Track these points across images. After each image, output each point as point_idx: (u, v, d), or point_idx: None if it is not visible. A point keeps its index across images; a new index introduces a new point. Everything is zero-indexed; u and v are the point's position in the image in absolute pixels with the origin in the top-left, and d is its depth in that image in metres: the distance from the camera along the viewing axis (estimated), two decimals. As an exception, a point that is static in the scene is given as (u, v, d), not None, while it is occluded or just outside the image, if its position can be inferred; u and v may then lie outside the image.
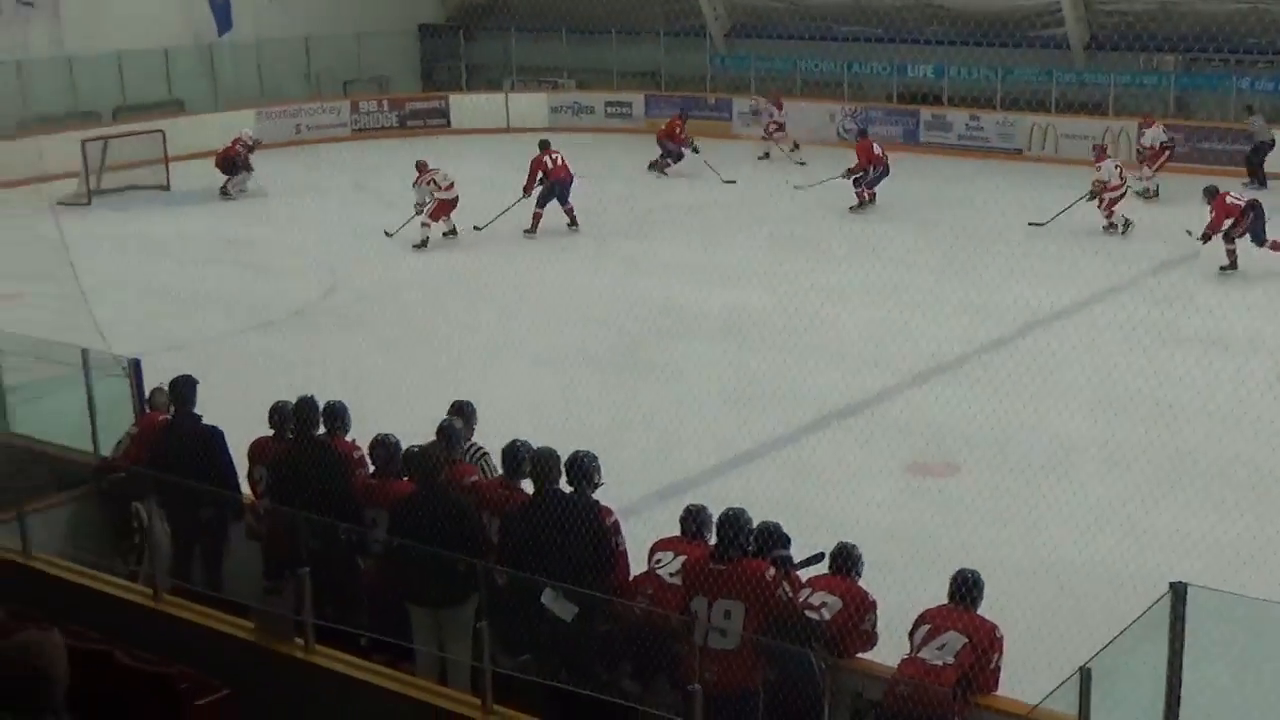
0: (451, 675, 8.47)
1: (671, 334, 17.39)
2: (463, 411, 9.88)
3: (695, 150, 28.67)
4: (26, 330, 11.83)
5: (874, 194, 25.77)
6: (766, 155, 30.49)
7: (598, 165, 26.83)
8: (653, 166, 29.21)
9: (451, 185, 22.95)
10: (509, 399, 12.48)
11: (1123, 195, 23.29)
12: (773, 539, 8.14)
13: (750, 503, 8.20)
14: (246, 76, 34.57)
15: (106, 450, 10.97)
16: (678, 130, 29.44)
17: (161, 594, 8.96)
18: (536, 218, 23.48)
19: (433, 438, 9.38)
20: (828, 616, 7.88)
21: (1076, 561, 10.74)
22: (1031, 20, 31.39)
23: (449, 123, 35.37)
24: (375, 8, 36.68)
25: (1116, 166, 23.47)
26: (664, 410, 14.51)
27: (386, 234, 22.98)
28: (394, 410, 10.73)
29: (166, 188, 28.17)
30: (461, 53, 38.11)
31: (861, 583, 8.15)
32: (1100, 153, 23.90)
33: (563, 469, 8.55)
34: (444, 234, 23.13)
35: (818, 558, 8.35)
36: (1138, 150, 26.69)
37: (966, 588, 7.81)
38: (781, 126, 30.71)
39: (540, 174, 23.50)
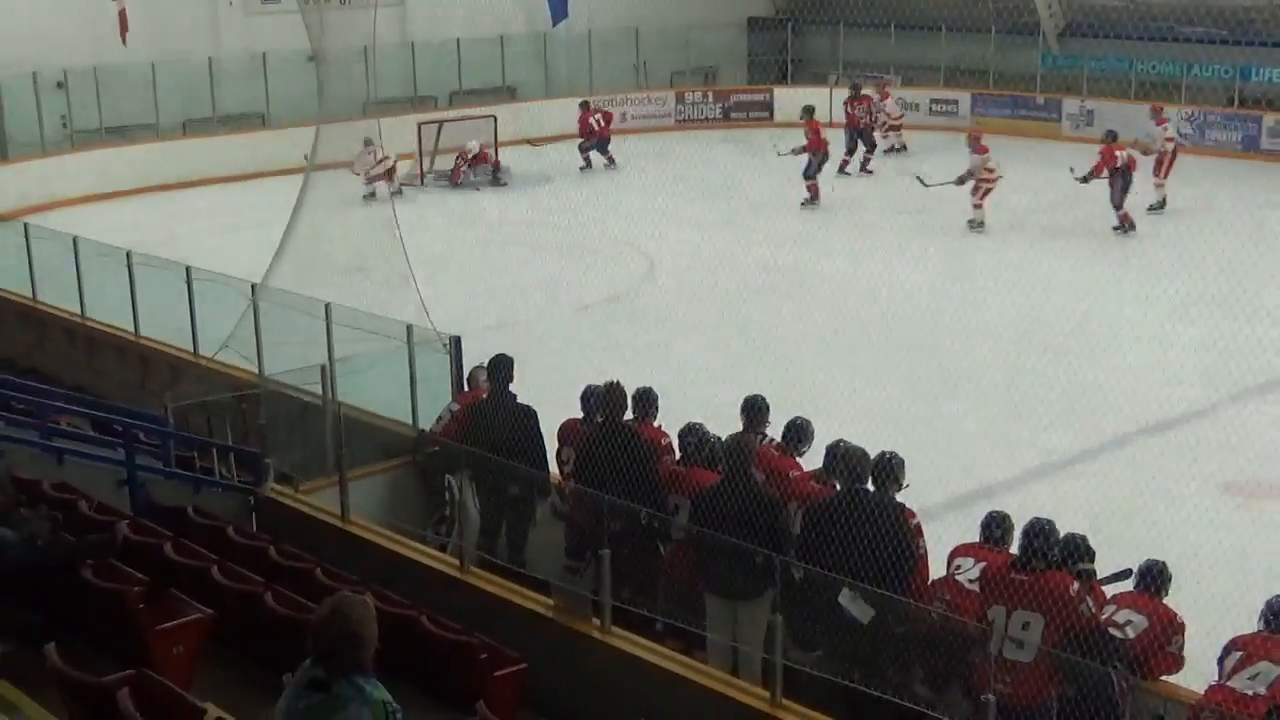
0: (743, 666, 8.52)
1: (981, 337, 17.06)
2: (755, 406, 9.88)
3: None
4: (358, 304, 12.34)
5: (816, 187, 25.57)
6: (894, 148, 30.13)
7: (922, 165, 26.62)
8: (864, 169, 28.91)
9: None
10: (818, 398, 12.45)
11: (992, 188, 23.60)
12: (1078, 552, 7.94)
13: (1055, 513, 8.02)
14: (577, 65, 35.30)
15: (424, 423, 11.38)
16: (853, 111, 29.32)
17: (468, 566, 9.25)
18: (587, 159, 29.57)
19: (739, 429, 9.46)
20: (1132, 635, 7.66)
21: None
22: (1394, 21, 29.68)
23: (772, 115, 35.41)
24: (707, 0, 36.98)
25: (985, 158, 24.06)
26: (971, 416, 14.27)
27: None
28: (703, 399, 10.82)
29: (496, 170, 29.02)
30: (788, 46, 38.13)
31: (1169, 603, 7.89)
32: (977, 143, 24.26)
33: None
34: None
35: (1124, 574, 8.13)
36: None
37: (1284, 616, 7.49)
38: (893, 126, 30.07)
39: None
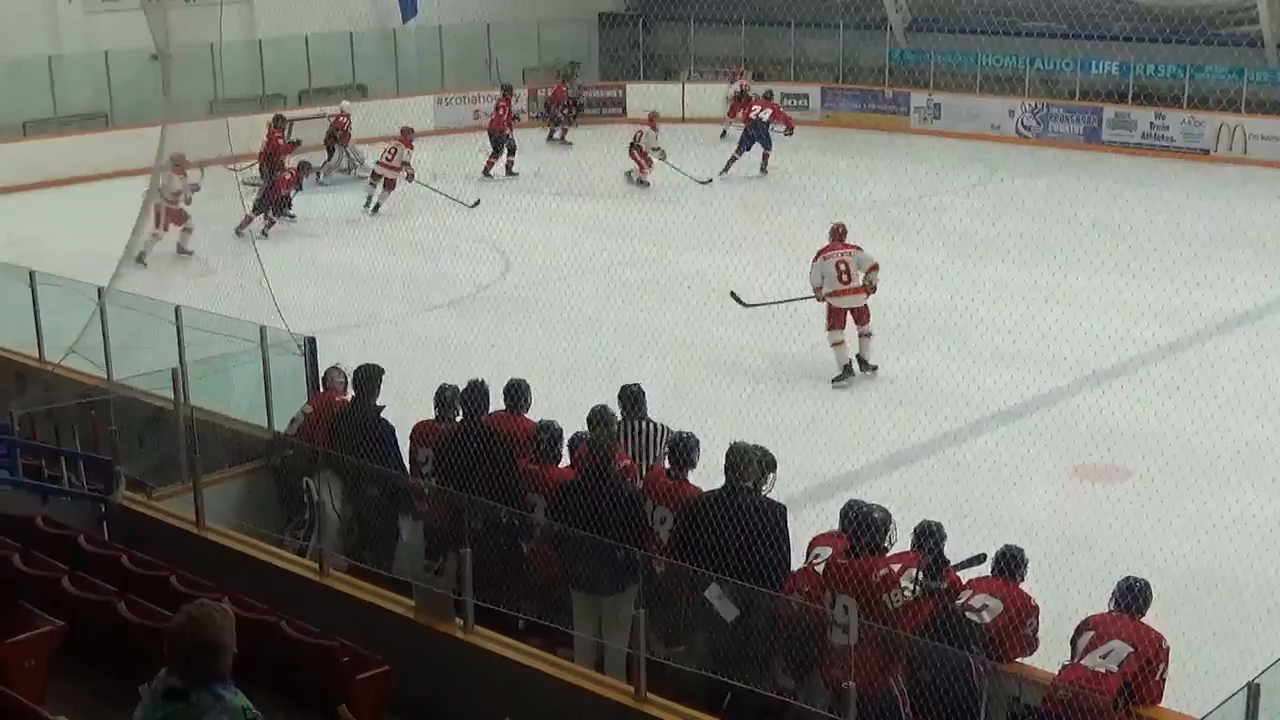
0: (609, 661, 8.53)
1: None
2: (633, 395, 9.99)
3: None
4: (210, 307, 12.16)
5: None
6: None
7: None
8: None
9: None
10: (673, 392, 12.52)
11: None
12: (923, 538, 8.09)
13: (914, 502, 8.16)
14: (428, 62, 35.08)
15: (280, 426, 11.24)
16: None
17: (328, 569, 9.15)
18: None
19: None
20: (988, 619, 7.80)
21: (1249, 574, 10.46)
22: (1224, 17, 30.52)
23: (625, 111, 35.53)
24: (557, -4, 37.00)
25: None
26: (831, 406, 14.44)
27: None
28: (558, 396, 10.82)
29: (347, 170, 28.70)
30: (640, 42, 38.26)
31: (1024, 586, 8.05)
32: (652, 120, 27.38)
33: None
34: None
35: (979, 559, 8.27)
36: None
37: (1134, 596, 7.69)
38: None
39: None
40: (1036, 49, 32.38)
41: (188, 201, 20.86)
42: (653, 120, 27.66)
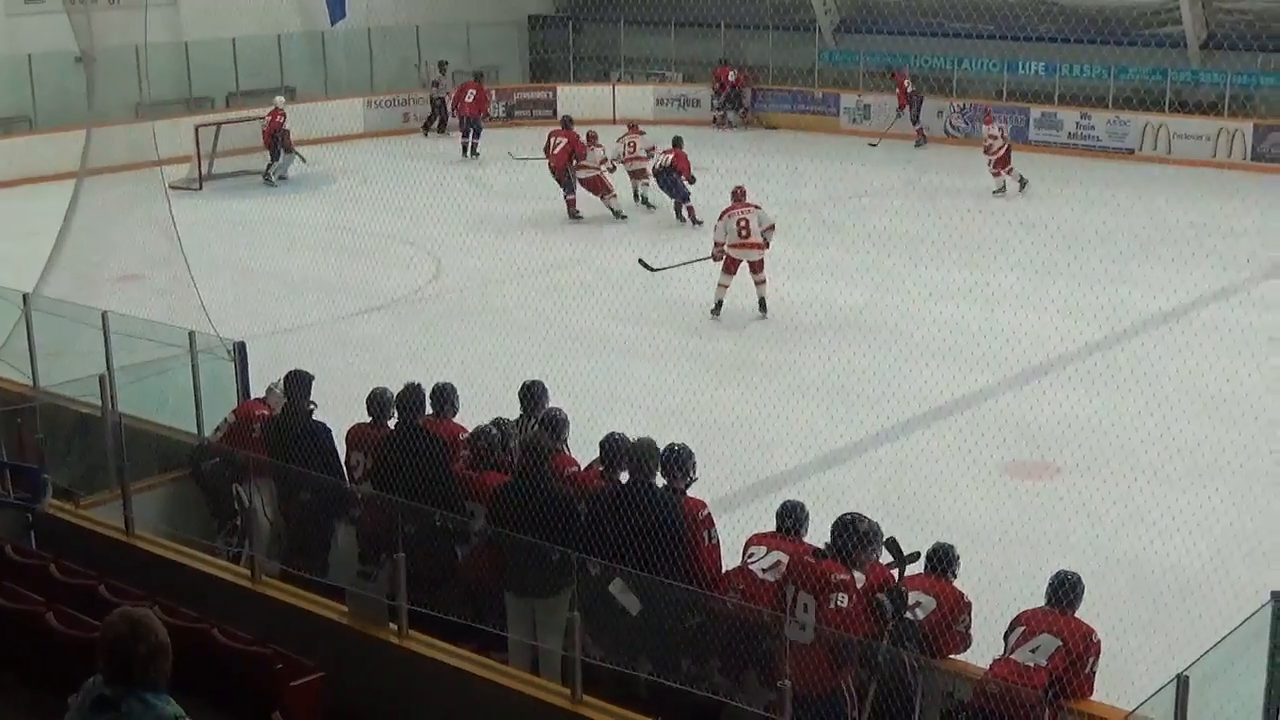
0: (544, 664, 8.51)
1: (773, 330, 17.35)
2: (531, 392, 9.96)
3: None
4: (138, 312, 12.00)
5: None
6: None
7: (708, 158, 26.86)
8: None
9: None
10: (606, 392, 12.51)
11: (1004, 155, 26.09)
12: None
13: (847, 500, 8.18)
14: (356, 65, 34.88)
15: (209, 432, 11.13)
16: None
17: (260, 575, 9.07)
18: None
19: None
20: (921, 616, 7.83)
21: (1177, 567, 10.58)
22: (1147, 18, 30.90)
23: (555, 114, 35.40)
24: (486, -2, 36.90)
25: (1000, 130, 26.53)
26: (763, 405, 14.46)
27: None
28: (490, 399, 10.78)
29: (285, 177, 28.46)
30: (570, 44, 38.23)
31: (957, 583, 8.09)
32: (988, 116, 27.80)
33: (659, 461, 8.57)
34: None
35: (913, 557, 8.30)
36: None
37: (1064, 590, 7.73)
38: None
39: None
40: (963, 50, 32.65)
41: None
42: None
